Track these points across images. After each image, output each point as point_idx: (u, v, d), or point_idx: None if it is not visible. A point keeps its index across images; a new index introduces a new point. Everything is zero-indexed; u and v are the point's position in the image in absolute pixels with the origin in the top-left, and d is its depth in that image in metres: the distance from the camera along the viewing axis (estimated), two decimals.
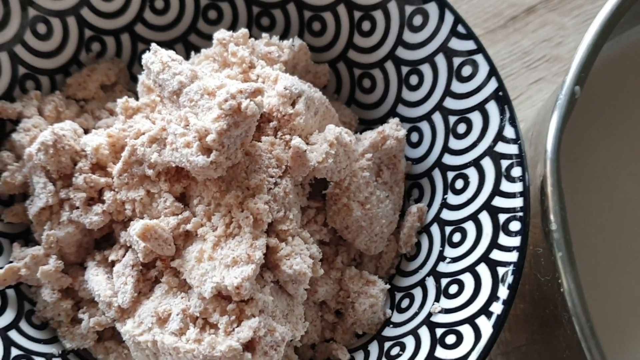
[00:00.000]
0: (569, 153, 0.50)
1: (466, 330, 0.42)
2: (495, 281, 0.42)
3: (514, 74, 0.63)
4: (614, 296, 0.49)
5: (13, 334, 0.43)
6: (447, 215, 0.47)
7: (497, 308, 0.41)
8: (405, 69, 0.50)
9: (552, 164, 0.39)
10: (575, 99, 0.40)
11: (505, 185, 0.44)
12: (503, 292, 0.41)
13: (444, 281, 0.45)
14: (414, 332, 0.45)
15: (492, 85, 0.45)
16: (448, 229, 0.47)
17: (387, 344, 0.46)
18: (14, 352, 0.42)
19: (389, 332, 0.47)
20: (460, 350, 0.41)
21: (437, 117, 0.49)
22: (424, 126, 0.50)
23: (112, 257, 0.44)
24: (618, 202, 0.51)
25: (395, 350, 0.45)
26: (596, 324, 0.38)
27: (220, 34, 0.48)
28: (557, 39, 0.64)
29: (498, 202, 0.44)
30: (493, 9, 0.65)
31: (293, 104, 0.44)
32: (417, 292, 0.47)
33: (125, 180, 0.44)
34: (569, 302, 0.37)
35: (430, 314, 0.45)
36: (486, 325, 0.41)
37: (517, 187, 0.43)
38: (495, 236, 0.43)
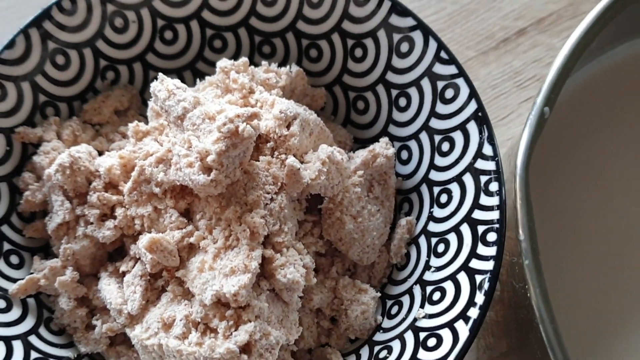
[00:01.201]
0: (552, 166, 0.54)
1: (446, 333, 0.45)
2: (473, 288, 0.45)
3: (506, 93, 0.66)
4: (589, 304, 0.52)
5: (33, 339, 0.47)
6: (433, 227, 0.51)
7: (474, 313, 0.44)
8: (394, 92, 0.54)
9: (520, 180, 0.42)
10: (545, 119, 0.44)
11: (484, 199, 0.47)
12: (480, 298, 0.44)
13: (429, 289, 0.49)
14: (400, 336, 0.48)
15: (472, 106, 0.49)
16: (434, 240, 0.50)
17: (376, 348, 0.49)
18: (33, 355, 0.46)
19: (379, 336, 0.50)
20: (440, 352, 0.44)
21: (424, 136, 0.52)
22: (413, 145, 0.53)
23: (122, 268, 0.48)
24: (591, 215, 0.54)
25: (383, 354, 0.48)
26: (570, 332, 0.41)
27: (223, 63, 0.52)
28: (547, 59, 0.67)
29: (477, 214, 0.47)
30: (485, 32, 0.68)
31: (288, 126, 0.48)
32: (405, 300, 0.50)
33: (134, 198, 0.48)
34: (535, 306, 0.40)
35: (415, 319, 0.48)
36: (463, 329, 0.44)
37: (495, 200, 0.46)
38: (474, 246, 0.47)
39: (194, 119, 0.45)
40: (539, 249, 0.41)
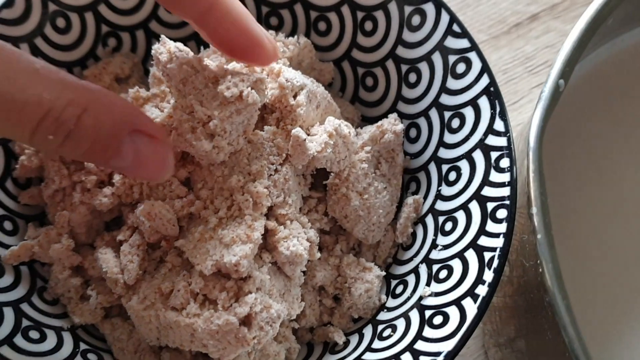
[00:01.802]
0: (561, 149, 0.52)
1: (453, 311, 0.44)
2: (482, 266, 0.44)
3: (517, 78, 0.65)
4: (603, 284, 0.51)
5: (25, 307, 0.46)
6: (440, 205, 0.49)
7: (482, 290, 0.43)
8: (404, 67, 0.52)
9: (534, 153, 0.41)
10: (559, 92, 0.42)
11: (494, 176, 0.46)
12: (489, 275, 0.43)
13: (435, 267, 0.47)
14: (405, 315, 0.47)
15: (484, 81, 0.48)
16: (441, 219, 0.49)
17: (380, 327, 0.48)
18: (25, 322, 0.45)
19: (383, 316, 0.49)
20: (446, 330, 0.43)
21: (433, 113, 0.51)
22: (422, 122, 0.52)
23: (119, 237, 0.47)
24: (604, 195, 0.52)
25: (387, 332, 0.47)
26: (582, 311, 0.40)
27: None
28: (559, 45, 0.66)
29: (487, 191, 0.46)
30: (497, 16, 0.67)
31: (295, 96, 0.47)
32: (411, 279, 0.49)
33: None
34: (548, 282, 0.38)
35: (421, 298, 0.46)
36: (471, 307, 0.43)
37: (505, 177, 0.45)
38: (483, 223, 0.45)
39: (197, 83, 0.44)
40: (551, 224, 0.40)
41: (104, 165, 0.41)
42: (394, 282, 0.51)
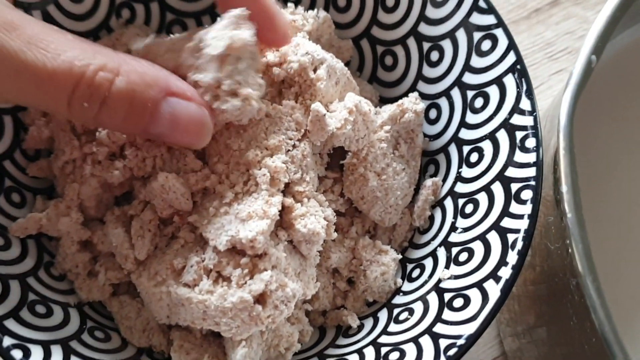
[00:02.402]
0: (590, 129, 0.51)
1: (474, 293, 0.42)
2: (505, 247, 0.42)
3: (536, 64, 0.64)
4: (633, 267, 0.49)
5: (31, 280, 0.44)
6: (460, 188, 0.48)
7: (505, 272, 0.41)
8: (426, 46, 0.51)
9: (565, 129, 0.39)
10: (591, 67, 0.41)
11: (519, 156, 0.44)
12: (512, 257, 0.41)
13: (455, 250, 0.46)
14: (422, 298, 0.45)
15: (511, 58, 0.46)
16: (461, 201, 0.47)
17: (396, 310, 0.47)
18: (31, 296, 0.43)
19: (398, 299, 0.47)
20: (468, 313, 0.41)
21: (455, 93, 0.49)
22: (443, 102, 0.50)
23: (130, 212, 0.45)
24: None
25: (403, 316, 0.45)
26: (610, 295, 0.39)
27: None
28: (579, 32, 0.65)
29: (511, 172, 0.44)
30: (517, 1, 0.66)
31: (315, 70, 0.45)
32: (428, 262, 0.48)
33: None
34: (577, 263, 0.37)
35: (439, 281, 0.45)
36: (494, 289, 0.41)
37: (531, 157, 0.43)
38: (507, 205, 0.44)
39: (187, 61, 0.42)
40: (581, 203, 0.39)
41: (142, 133, 0.40)
42: (410, 266, 0.49)
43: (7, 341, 0.39)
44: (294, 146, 0.44)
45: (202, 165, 0.44)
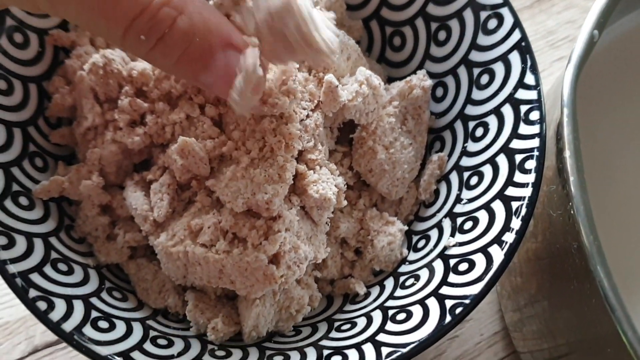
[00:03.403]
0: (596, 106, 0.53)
1: (479, 258, 0.44)
2: (509, 214, 0.44)
3: (538, 51, 0.66)
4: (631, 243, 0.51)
5: (53, 240, 0.46)
6: (466, 162, 0.50)
7: (509, 237, 0.43)
8: (434, 25, 0.53)
9: (568, 97, 0.41)
10: (594, 42, 0.43)
11: (524, 129, 0.46)
12: (516, 223, 0.43)
13: (460, 220, 0.48)
14: (428, 265, 0.47)
15: (516, 36, 0.48)
16: (466, 174, 0.49)
17: (402, 278, 0.48)
18: (53, 255, 0.45)
19: (404, 268, 0.49)
20: (473, 275, 0.43)
21: (461, 71, 0.51)
22: (449, 80, 0.52)
23: (150, 177, 0.47)
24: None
25: (409, 282, 0.47)
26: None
27: None
28: (580, 21, 0.67)
29: (515, 144, 0.46)
30: None
31: None
32: (434, 233, 0.49)
33: (166, 106, 0.46)
34: (579, 223, 0.39)
35: (445, 248, 0.47)
36: (498, 253, 0.43)
37: (535, 129, 0.45)
38: (511, 175, 0.46)
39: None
40: (583, 167, 0.41)
41: (192, 79, 0.38)
42: (415, 237, 0.51)
43: (33, 293, 0.41)
44: (307, 116, 0.46)
45: (219, 133, 0.46)
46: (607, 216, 0.52)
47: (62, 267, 0.45)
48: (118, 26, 0.34)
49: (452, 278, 0.44)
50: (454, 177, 0.51)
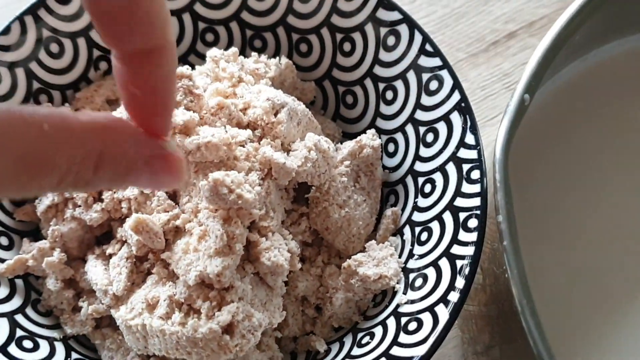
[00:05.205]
0: (536, 159, 0.54)
1: (426, 317, 0.45)
2: (454, 273, 0.46)
3: (495, 94, 0.67)
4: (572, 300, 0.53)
5: (19, 318, 0.48)
6: (417, 217, 0.52)
7: (454, 297, 0.45)
8: (382, 85, 0.55)
9: (500, 163, 0.43)
10: (525, 105, 0.44)
11: (466, 187, 0.48)
12: (460, 282, 0.45)
13: (412, 276, 0.49)
14: (382, 322, 0.49)
15: (456, 97, 0.50)
16: (417, 229, 0.51)
17: (359, 335, 0.50)
18: (19, 332, 0.47)
19: (362, 324, 0.51)
20: (420, 335, 0.45)
21: (409, 129, 0.53)
22: (399, 137, 0.54)
23: (109, 251, 0.49)
24: (573, 209, 0.55)
25: (365, 339, 0.49)
26: (552, 324, 0.42)
27: (213, 52, 0.53)
28: None
29: (459, 202, 0.48)
30: (476, 35, 0.70)
31: (276, 114, 0.49)
32: (390, 289, 0.51)
33: None
34: (512, 287, 0.40)
35: (398, 305, 0.48)
36: (444, 312, 0.45)
37: (476, 188, 0.47)
38: (455, 233, 0.47)
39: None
40: (517, 232, 0.42)
41: (120, 188, 0.43)
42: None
43: None
44: (258, 185, 0.48)
45: (173, 206, 0.48)
46: (548, 274, 0.54)
47: (28, 344, 0.47)
48: (46, 191, 0.36)
49: (402, 338, 0.46)
50: (407, 231, 0.52)
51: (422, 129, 0.52)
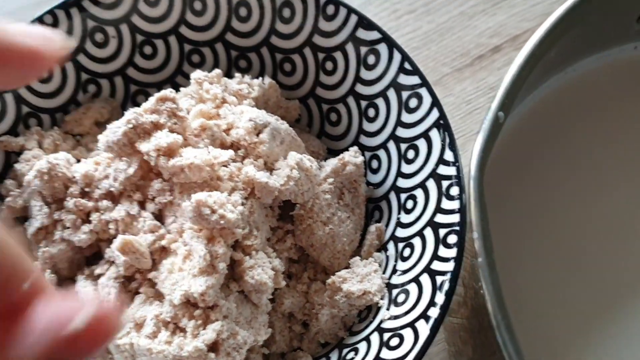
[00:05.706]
0: (514, 176, 0.55)
1: (407, 333, 0.46)
2: (434, 289, 0.47)
3: (480, 108, 0.68)
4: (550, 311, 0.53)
5: None
6: (400, 233, 0.52)
7: (434, 312, 0.46)
8: (364, 103, 0.56)
9: (474, 180, 0.44)
10: (500, 123, 0.45)
11: (446, 203, 0.49)
12: (440, 298, 0.46)
13: (395, 292, 0.50)
14: (367, 338, 0.49)
15: (435, 114, 0.51)
16: (400, 245, 0.52)
17: (344, 351, 0.51)
18: None
19: (347, 340, 0.52)
20: (401, 351, 0.46)
21: (391, 145, 0.54)
22: (382, 154, 0.55)
23: (98, 271, 0.50)
24: (551, 221, 0.55)
25: (350, 355, 0.50)
26: (530, 337, 0.42)
27: (197, 74, 0.54)
28: None
29: (439, 218, 0.49)
30: (461, 49, 0.70)
31: (258, 134, 0.50)
32: (374, 305, 0.52)
33: (108, 204, 0.49)
34: (487, 302, 0.41)
35: (381, 321, 0.49)
36: (424, 328, 0.45)
37: (455, 204, 0.48)
38: (436, 249, 0.48)
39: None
40: (492, 248, 0.43)
41: None
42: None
43: None
44: (242, 204, 0.49)
45: (159, 227, 0.49)
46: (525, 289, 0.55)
47: None
48: None
49: (384, 353, 0.47)
50: (391, 247, 0.53)
51: (403, 146, 0.53)
